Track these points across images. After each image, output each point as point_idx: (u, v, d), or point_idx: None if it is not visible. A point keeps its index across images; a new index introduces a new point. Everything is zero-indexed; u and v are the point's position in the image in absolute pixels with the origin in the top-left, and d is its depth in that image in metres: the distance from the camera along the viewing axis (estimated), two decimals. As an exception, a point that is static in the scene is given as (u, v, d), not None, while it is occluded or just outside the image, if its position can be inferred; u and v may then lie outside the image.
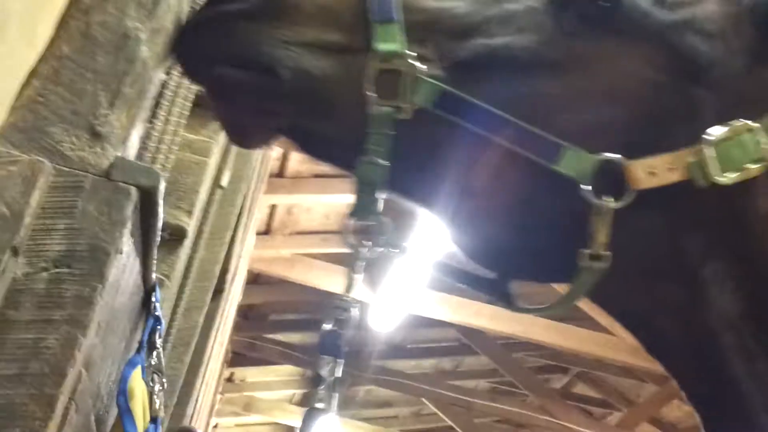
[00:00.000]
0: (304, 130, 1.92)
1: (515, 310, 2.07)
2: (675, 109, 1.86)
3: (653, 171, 1.81)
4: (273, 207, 11.20)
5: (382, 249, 1.95)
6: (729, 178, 1.79)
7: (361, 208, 1.88)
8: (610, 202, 1.79)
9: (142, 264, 2.05)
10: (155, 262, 2.17)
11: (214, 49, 1.89)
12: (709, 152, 1.79)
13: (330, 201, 11.12)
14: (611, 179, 1.80)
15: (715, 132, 1.80)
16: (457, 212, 1.91)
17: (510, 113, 1.82)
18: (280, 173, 10.52)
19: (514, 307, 2.03)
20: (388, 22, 1.87)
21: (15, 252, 1.67)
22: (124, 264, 1.89)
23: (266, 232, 11.61)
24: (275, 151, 9.32)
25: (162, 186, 1.89)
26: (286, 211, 11.49)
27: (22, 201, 1.69)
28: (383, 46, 1.85)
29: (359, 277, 1.99)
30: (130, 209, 1.81)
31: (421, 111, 1.83)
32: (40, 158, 1.74)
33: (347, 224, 1.92)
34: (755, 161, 1.80)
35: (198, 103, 2.98)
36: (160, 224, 2.01)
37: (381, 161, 1.83)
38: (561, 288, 2.00)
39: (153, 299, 2.16)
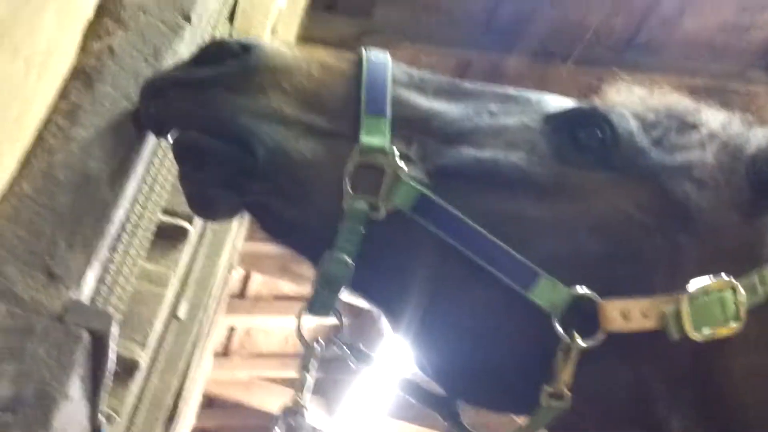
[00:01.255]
0: (271, 211, 1.85)
1: None
2: (657, 253, 1.82)
3: (627, 314, 1.75)
4: (232, 329, 11.08)
5: (336, 349, 1.90)
6: (704, 334, 1.74)
7: (320, 304, 1.83)
8: (578, 340, 1.73)
9: (90, 406, 1.98)
10: (104, 401, 2.10)
11: (188, 113, 1.83)
12: (687, 305, 1.74)
13: (290, 324, 11.02)
14: (583, 315, 1.74)
15: (696, 284, 1.76)
16: (419, 324, 1.84)
17: (488, 230, 1.77)
18: (240, 294, 10.46)
19: (463, 430, 1.94)
20: (377, 115, 1.82)
21: (-41, 396, 1.61)
22: (72, 409, 1.82)
23: (224, 353, 11.46)
24: (237, 272, 9.27)
25: (115, 330, 1.84)
26: (245, 333, 11.37)
27: (-30, 344, 1.64)
28: (368, 140, 1.80)
29: (311, 379, 1.91)
30: (80, 353, 1.76)
31: (396, 212, 1.78)
32: (-8, 299, 1.70)
33: (302, 319, 1.86)
34: (733, 320, 1.76)
35: (159, 234, 2.95)
36: (111, 367, 1.96)
37: (348, 259, 1.75)
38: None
39: (98, 441, 2.09)
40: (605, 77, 6.26)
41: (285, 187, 1.80)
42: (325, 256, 1.76)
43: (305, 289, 7.05)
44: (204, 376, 8.92)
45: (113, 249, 2.51)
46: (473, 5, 6.63)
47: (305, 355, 1.92)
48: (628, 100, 2.01)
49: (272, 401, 11.65)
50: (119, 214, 1.97)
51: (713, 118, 1.97)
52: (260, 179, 1.80)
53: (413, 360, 1.95)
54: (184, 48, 2.07)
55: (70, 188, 1.84)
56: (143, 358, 3.02)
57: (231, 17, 3.27)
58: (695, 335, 1.74)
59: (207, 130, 1.81)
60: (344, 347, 1.94)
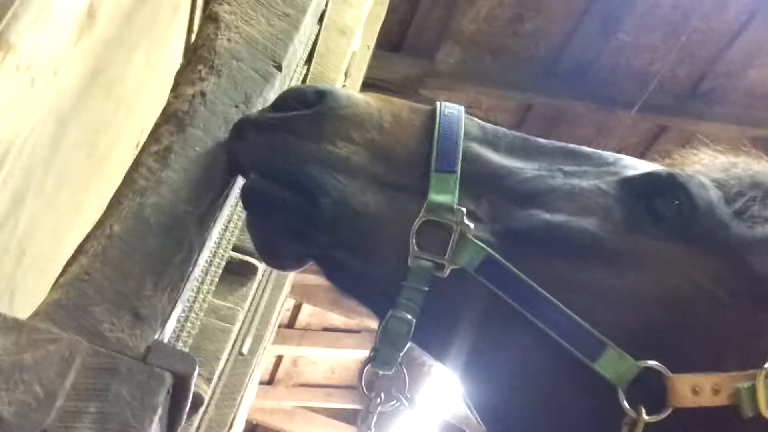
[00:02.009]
0: (336, 263, 1.84)
1: None
2: (732, 330, 1.75)
3: (697, 390, 1.68)
4: (279, 357, 11.12)
5: (395, 403, 1.89)
6: None
7: (382, 361, 1.81)
8: (644, 415, 1.67)
9: (165, 447, 2.00)
10: (177, 444, 2.12)
11: (257, 157, 1.84)
12: (764, 381, 1.66)
13: (337, 356, 11.04)
14: (650, 389, 1.69)
15: None
16: (479, 384, 1.83)
17: (555, 296, 1.72)
18: (290, 324, 10.50)
19: None
20: (447, 171, 1.80)
21: (44, 434, 1.64)
22: (149, 449, 1.85)
23: (269, 381, 11.50)
24: (287, 302, 9.32)
25: (196, 372, 1.86)
26: (291, 362, 11.40)
27: (57, 382, 1.67)
28: (437, 198, 1.77)
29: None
30: (162, 395, 1.78)
31: (460, 272, 1.75)
32: (79, 338, 1.73)
33: (364, 373, 1.85)
34: None
35: (229, 269, 2.98)
36: (188, 407, 1.98)
37: (410, 317, 1.74)
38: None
39: (171, 483, 2.10)
40: (668, 125, 6.28)
41: (350, 241, 1.80)
42: (389, 314, 1.75)
43: (354, 322, 7.09)
44: (249, 402, 8.95)
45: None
46: (537, 49, 6.65)
47: (367, 409, 1.91)
48: (710, 166, 1.92)
49: (314, 431, 11.67)
50: (203, 257, 2.00)
51: None
52: (325, 231, 1.80)
53: (466, 405, 1.91)
54: (274, 95, 2.11)
55: (159, 230, 1.87)
56: (208, 394, 3.04)
57: (308, 60, 3.31)
58: None
59: (274, 177, 1.82)
60: (404, 401, 1.92)
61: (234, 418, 4.65)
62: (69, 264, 1.84)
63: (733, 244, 1.79)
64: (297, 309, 10.33)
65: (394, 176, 1.82)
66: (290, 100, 1.90)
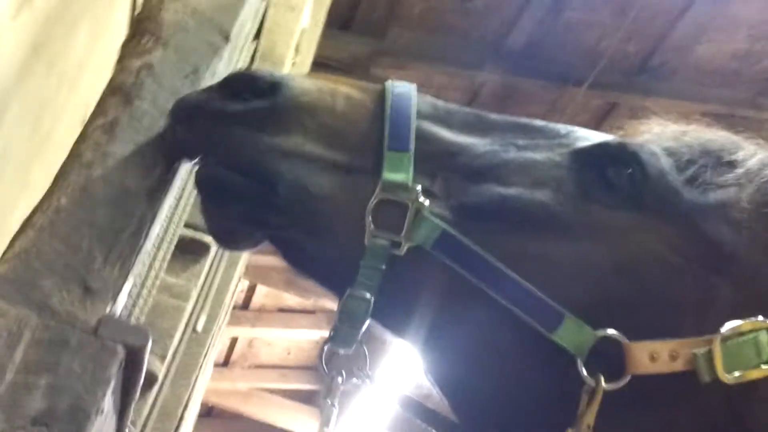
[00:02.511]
0: (293, 244, 1.85)
1: None
2: (688, 295, 1.76)
3: (655, 356, 1.69)
4: (234, 339, 11.08)
5: (356, 381, 1.89)
6: (735, 377, 1.67)
7: (341, 340, 1.81)
8: (602, 383, 1.68)
9: (118, 421, 1.99)
10: (130, 418, 2.11)
11: (213, 146, 1.84)
12: (719, 346, 1.68)
13: (292, 336, 11.03)
14: (608, 358, 1.70)
15: (730, 326, 1.69)
16: (440, 359, 1.83)
17: (512, 269, 1.73)
18: (244, 305, 10.46)
19: None
20: (400, 150, 1.81)
21: (-7, 409, 1.62)
22: (102, 423, 1.83)
23: (225, 363, 11.46)
24: (242, 283, 9.28)
25: (149, 345, 1.85)
26: (247, 343, 11.37)
27: (5, 356, 1.65)
28: (391, 176, 1.78)
29: (336, 411, 1.91)
30: (115, 368, 1.76)
31: (417, 249, 1.75)
32: (28, 312, 1.71)
33: (324, 353, 1.84)
34: (766, 362, 1.69)
35: (181, 247, 2.97)
36: (141, 381, 1.97)
37: (368, 295, 1.74)
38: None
39: (125, 457, 2.09)
40: (618, 102, 6.35)
41: (306, 222, 1.80)
42: (347, 293, 1.76)
43: (309, 302, 7.07)
44: (204, 384, 8.92)
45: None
46: (487, 28, 6.66)
47: (328, 388, 1.91)
48: (661, 135, 1.94)
49: (271, 412, 11.66)
50: (155, 230, 1.99)
51: (752, 155, 1.90)
52: (281, 214, 1.81)
53: (435, 386, 1.92)
54: (223, 66, 2.10)
55: (107, 203, 1.86)
56: (161, 371, 3.03)
57: (257, 35, 3.29)
58: (726, 377, 1.67)
59: (230, 166, 1.82)
60: (365, 379, 1.92)
61: (189, 398, 4.64)
62: (15, 238, 1.81)
63: (685, 211, 1.80)
64: (251, 290, 10.29)
65: (348, 158, 1.82)
66: (242, 84, 1.89)
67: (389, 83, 1.93)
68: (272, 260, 9.12)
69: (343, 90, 1.92)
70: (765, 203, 1.82)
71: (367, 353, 1.87)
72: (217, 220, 1.92)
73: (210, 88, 1.93)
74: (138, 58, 2.01)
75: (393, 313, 1.81)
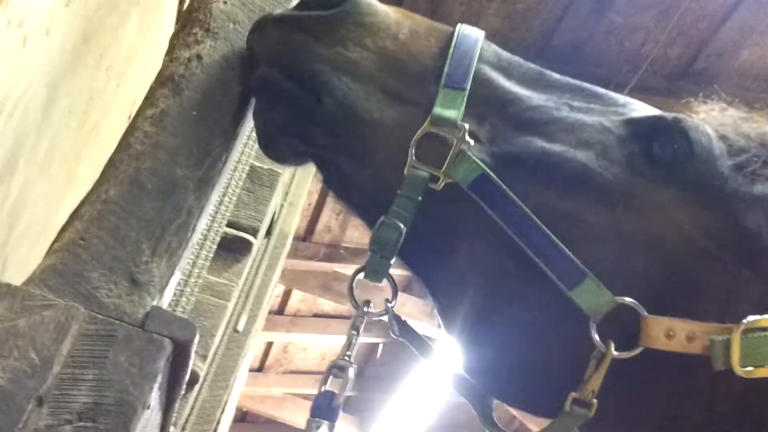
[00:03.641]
0: (334, 166, 1.86)
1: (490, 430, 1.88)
2: (714, 282, 1.73)
3: (671, 334, 1.66)
4: (269, 344, 11.07)
5: (383, 314, 1.87)
6: (749, 371, 1.64)
7: (372, 270, 1.81)
8: (612, 350, 1.67)
9: (163, 417, 1.96)
10: (175, 414, 2.08)
11: (271, 50, 1.87)
12: (739, 338, 1.64)
13: (327, 342, 11.00)
14: (623, 326, 1.68)
15: (752, 318, 1.66)
16: (460, 303, 1.81)
17: (543, 222, 1.71)
18: (280, 310, 10.45)
19: (493, 427, 1.87)
20: (456, 88, 1.80)
21: (40, 402, 1.59)
22: (148, 419, 1.80)
23: (259, 368, 11.46)
24: (277, 288, 9.27)
25: (197, 339, 1.82)
26: (282, 348, 11.36)
27: (52, 348, 1.62)
28: (442, 112, 1.78)
29: (358, 338, 1.89)
30: (162, 362, 1.73)
31: (454, 187, 1.75)
32: (75, 304, 1.68)
33: (354, 281, 1.85)
34: None
35: (223, 245, 2.94)
36: (187, 377, 1.94)
37: (401, 225, 1.74)
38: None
39: (170, 455, 2.06)
40: (659, 106, 6.25)
41: (349, 144, 1.81)
42: (380, 220, 1.76)
43: (344, 308, 7.01)
44: (239, 389, 8.92)
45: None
46: (529, 30, 6.61)
47: (356, 315, 1.89)
48: (720, 119, 1.92)
49: (305, 418, 11.61)
50: (202, 224, 1.96)
51: None
52: (325, 131, 1.82)
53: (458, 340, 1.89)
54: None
55: (156, 195, 1.83)
56: (203, 371, 3.00)
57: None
58: (739, 370, 1.63)
59: (283, 70, 1.84)
60: (392, 316, 1.89)
61: (227, 400, 4.62)
62: (64, 229, 1.79)
63: (728, 197, 1.78)
64: (287, 295, 10.27)
65: (402, 88, 1.83)
66: (313, 2, 1.90)
67: (460, 25, 1.93)
68: (309, 264, 9.12)
69: (410, 22, 1.92)
70: None
71: (396, 287, 1.87)
72: (263, 125, 1.92)
73: (298, 4, 1.95)
74: (188, 49, 1.99)
75: (421, 249, 1.80)
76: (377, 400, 11.73)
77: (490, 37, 5.87)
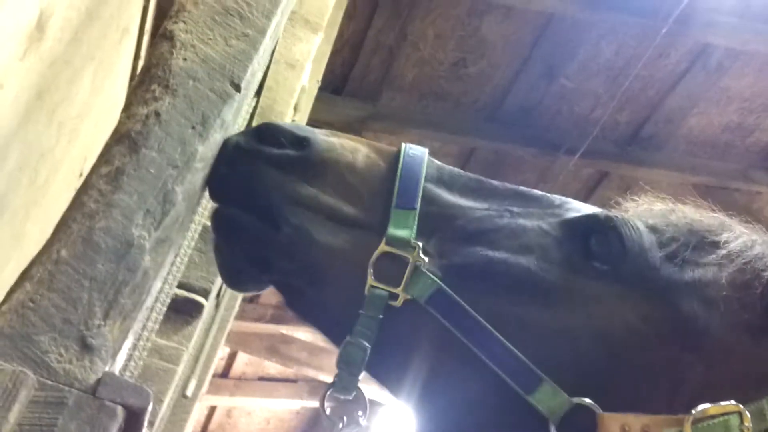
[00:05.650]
0: (295, 290, 1.93)
1: None
2: (659, 370, 1.81)
3: (626, 428, 1.73)
4: (212, 408, 10.85)
5: (356, 426, 1.91)
6: None
7: (341, 386, 1.86)
8: None
9: (113, 488, 1.87)
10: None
11: (231, 186, 1.94)
12: (689, 428, 1.71)
13: (273, 406, 10.82)
14: (581, 425, 1.75)
15: (702, 407, 1.72)
16: (426, 411, 1.90)
17: (497, 330, 1.80)
18: (224, 373, 10.26)
19: None
20: (407, 209, 1.90)
21: (-16, 474, 1.50)
22: (97, 489, 1.71)
23: (202, 434, 11.21)
24: (222, 351, 9.12)
25: (150, 406, 1.74)
26: (225, 413, 11.13)
27: (-1, 416, 1.54)
28: (396, 232, 1.87)
29: None
30: (113, 431, 1.66)
31: (412, 303, 1.83)
32: (24, 369, 1.60)
33: (326, 398, 1.89)
34: None
35: (173, 307, 2.87)
36: (139, 446, 1.85)
37: (366, 343, 1.81)
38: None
39: None
40: (609, 171, 6.35)
41: (308, 269, 1.89)
42: (345, 341, 1.83)
43: (291, 371, 6.88)
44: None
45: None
46: (480, 94, 6.67)
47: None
48: (649, 212, 2.03)
49: (248, 485, 11.38)
50: (157, 285, 1.89)
51: (736, 237, 1.96)
52: (284, 258, 1.88)
53: None
54: (231, 116, 2.02)
55: (110, 256, 1.76)
56: (150, 438, 2.90)
57: (258, 92, 3.23)
58: None
59: (245, 205, 1.92)
60: (362, 425, 1.94)
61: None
62: (12, 291, 1.71)
63: (661, 286, 1.88)
64: (231, 357, 10.09)
65: (357, 213, 1.93)
66: (272, 135, 2.00)
67: (404, 146, 2.04)
68: (254, 326, 8.99)
69: (362, 149, 2.04)
70: (743, 284, 1.87)
71: (367, 400, 1.90)
72: (223, 258, 2.01)
73: (246, 132, 2.05)
74: (146, 106, 1.94)
75: (386, 363, 1.89)
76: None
77: (442, 100, 5.91)
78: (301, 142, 1.98)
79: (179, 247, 2.46)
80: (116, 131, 1.91)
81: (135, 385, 1.78)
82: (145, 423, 1.78)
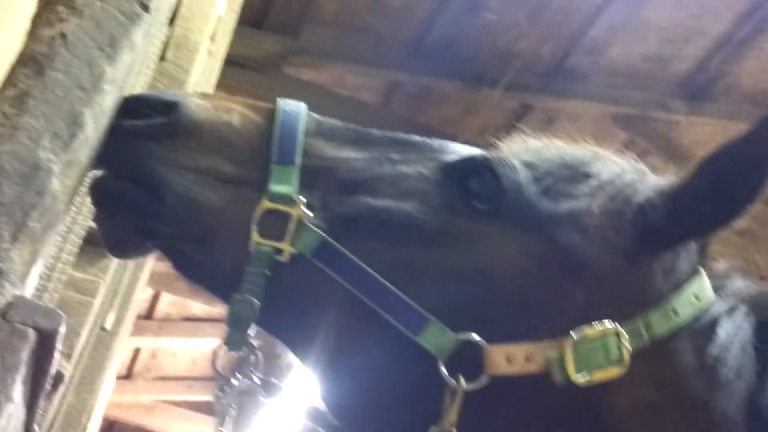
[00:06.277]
0: (180, 253, 1.94)
1: None
2: (542, 300, 1.88)
3: (511, 359, 1.81)
4: (137, 350, 10.78)
5: (254, 383, 1.97)
6: (586, 378, 1.81)
7: (232, 342, 1.89)
8: (462, 383, 1.80)
9: (28, 413, 1.85)
10: (41, 411, 1.97)
11: (107, 159, 1.91)
12: (570, 350, 1.80)
13: (198, 346, 10.80)
14: (469, 360, 1.81)
15: (580, 330, 1.82)
16: (318, 361, 1.93)
17: (383, 275, 1.84)
18: (148, 315, 10.19)
19: None
20: (287, 164, 1.92)
21: None
22: (11, 413, 1.70)
23: (127, 376, 11.14)
24: (145, 292, 9.05)
25: (63, 329, 1.72)
26: (150, 354, 11.08)
27: None
28: (277, 188, 1.89)
29: (232, 413, 2.01)
30: (25, 353, 1.64)
31: (299, 257, 1.86)
32: (-70, 295, 1.57)
33: (218, 355, 1.94)
34: (616, 363, 1.82)
35: (88, 240, 2.83)
36: (53, 370, 1.83)
37: (254, 299, 1.83)
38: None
39: (33, 454, 1.95)
40: (533, 104, 6.36)
41: (193, 232, 1.90)
42: (233, 297, 1.84)
43: (216, 310, 6.87)
44: (105, 398, 8.62)
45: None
46: (403, 27, 6.62)
47: (223, 390, 2.01)
48: (525, 149, 2.07)
49: (176, 425, 11.40)
50: (68, 210, 1.86)
51: (608, 168, 2.04)
52: (170, 224, 1.89)
53: (318, 392, 2.01)
54: (141, 39, 1.98)
55: (17, 179, 1.72)
56: (69, 371, 2.87)
57: (171, 22, 3.17)
58: (578, 379, 1.80)
59: (123, 177, 1.92)
60: (258, 380, 2.00)
61: (94, 405, 4.45)
62: None
63: (539, 220, 1.94)
64: (155, 298, 10.02)
65: (237, 171, 1.94)
66: (140, 106, 1.99)
67: (280, 102, 2.04)
68: (178, 267, 8.90)
69: (237, 108, 2.04)
70: (614, 211, 1.95)
71: (260, 357, 1.94)
72: (109, 231, 2.01)
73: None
74: (50, 28, 1.89)
75: (278, 318, 1.91)
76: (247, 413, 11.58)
77: (365, 33, 5.85)
78: (170, 107, 1.98)
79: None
80: (21, 53, 1.86)
81: (46, 307, 1.75)
82: (59, 345, 1.76)
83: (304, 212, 1.88)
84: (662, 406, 1.87)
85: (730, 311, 1.97)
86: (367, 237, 1.90)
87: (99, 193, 1.96)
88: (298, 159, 1.93)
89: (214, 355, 1.95)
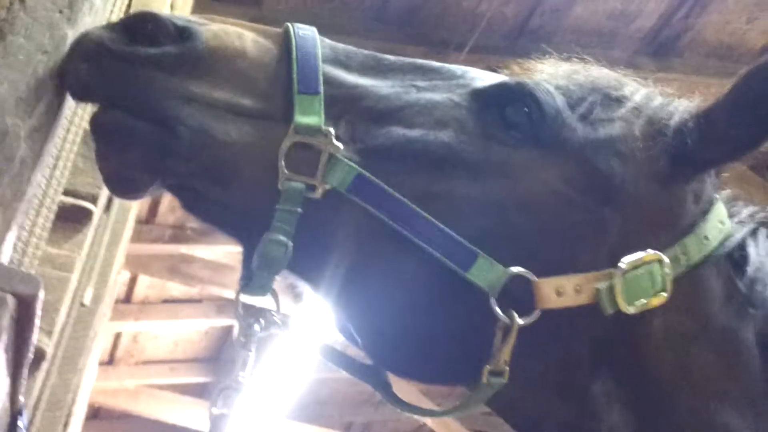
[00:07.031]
0: (194, 192, 1.80)
1: (399, 407, 1.97)
2: (584, 228, 1.85)
3: (561, 291, 1.78)
4: (118, 335, 10.72)
5: (272, 329, 1.90)
6: (636, 307, 1.80)
7: (258, 286, 1.80)
8: (516, 319, 1.75)
9: (12, 383, 1.84)
10: (24, 381, 1.96)
11: (114, 89, 1.75)
12: (620, 280, 1.79)
13: (179, 328, 10.76)
14: (520, 294, 1.77)
15: (627, 260, 1.80)
16: (356, 303, 1.84)
17: (423, 209, 1.76)
18: (126, 299, 10.11)
19: (397, 402, 1.95)
20: (310, 93, 1.79)
21: None
22: (-6, 383, 1.69)
23: (109, 361, 11.08)
24: (123, 276, 8.99)
25: (42, 294, 1.71)
26: (131, 339, 11.02)
27: None
28: (303, 120, 1.76)
29: (252, 355, 1.91)
30: (5, 320, 1.63)
31: (333, 192, 1.76)
32: None
33: (240, 298, 1.84)
34: (661, 290, 1.82)
35: (61, 216, 2.80)
36: (35, 338, 1.82)
37: (286, 239, 1.73)
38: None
39: (19, 425, 1.94)
40: (498, 66, 6.31)
41: (210, 169, 1.75)
42: (265, 238, 1.73)
43: (195, 291, 6.79)
44: (89, 385, 8.60)
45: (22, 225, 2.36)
46: (366, -7, 6.58)
47: (245, 334, 1.90)
48: (554, 74, 2.03)
49: (161, 409, 11.36)
50: (38, 176, 1.84)
51: (637, 91, 2.01)
52: (184, 161, 1.74)
53: (341, 332, 1.95)
54: (100, 1, 1.95)
55: (-15, 145, 1.70)
56: (50, 348, 2.85)
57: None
58: (628, 309, 1.79)
59: (132, 111, 1.74)
60: (280, 326, 1.94)
61: (78, 385, 4.43)
62: None
63: (579, 146, 1.90)
64: (132, 282, 9.93)
65: (257, 103, 1.80)
66: (147, 28, 1.79)
67: (290, 26, 1.90)
68: (154, 248, 8.86)
69: (248, 34, 1.88)
70: (650, 135, 1.93)
71: (278, 300, 1.87)
72: (114, 168, 1.82)
73: (114, 27, 1.82)
74: (9, -8, 1.85)
75: (310, 259, 1.80)
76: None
77: (328, 1, 5.75)
78: (181, 34, 1.80)
79: (56, 157, 2.39)
80: (-20, 20, 1.83)
81: (24, 272, 1.75)
82: (38, 311, 1.75)
83: (335, 145, 1.76)
84: (691, 333, 1.88)
85: (753, 233, 1.99)
86: (402, 170, 1.80)
87: (105, 127, 1.77)
88: (321, 88, 1.80)
89: (237, 297, 1.84)
